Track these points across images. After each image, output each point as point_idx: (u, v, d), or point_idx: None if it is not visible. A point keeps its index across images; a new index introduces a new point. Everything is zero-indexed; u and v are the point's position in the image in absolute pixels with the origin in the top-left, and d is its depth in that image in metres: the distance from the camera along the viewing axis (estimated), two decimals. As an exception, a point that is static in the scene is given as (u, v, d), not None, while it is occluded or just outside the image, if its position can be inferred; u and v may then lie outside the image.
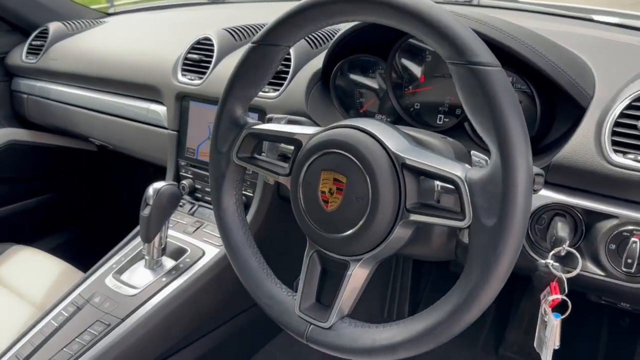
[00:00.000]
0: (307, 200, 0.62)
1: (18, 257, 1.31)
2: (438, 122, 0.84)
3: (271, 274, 0.70)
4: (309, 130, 0.65)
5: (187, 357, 1.01)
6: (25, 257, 1.31)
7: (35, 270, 1.26)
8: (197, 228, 1.05)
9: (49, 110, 1.47)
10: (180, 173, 1.13)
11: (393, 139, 0.59)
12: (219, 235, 1.00)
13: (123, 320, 0.88)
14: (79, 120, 1.38)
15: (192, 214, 1.10)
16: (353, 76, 0.92)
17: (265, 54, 0.66)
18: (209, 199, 1.09)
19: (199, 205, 1.11)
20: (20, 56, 1.53)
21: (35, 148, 1.61)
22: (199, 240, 1.01)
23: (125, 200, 1.52)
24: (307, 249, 0.65)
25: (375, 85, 0.90)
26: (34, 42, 1.52)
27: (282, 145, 0.73)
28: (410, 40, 0.84)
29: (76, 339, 0.86)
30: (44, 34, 1.52)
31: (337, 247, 0.61)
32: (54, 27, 1.52)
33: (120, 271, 0.99)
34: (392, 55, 0.85)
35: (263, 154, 0.73)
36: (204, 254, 0.98)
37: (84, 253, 1.36)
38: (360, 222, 0.58)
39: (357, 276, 0.61)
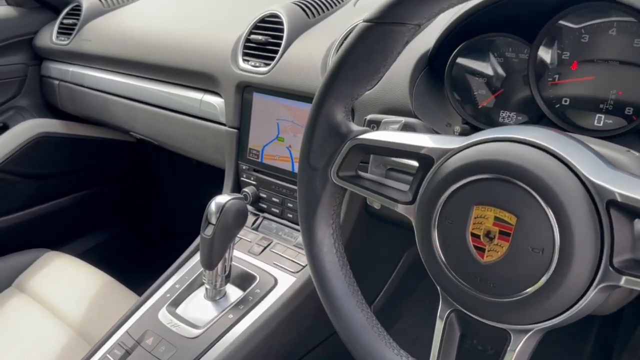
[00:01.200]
0: (447, 244, 0.44)
1: (51, 266, 1.17)
2: (596, 123, 0.63)
3: (383, 333, 0.52)
4: (442, 142, 0.46)
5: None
6: (59, 266, 1.17)
7: (71, 283, 1.11)
8: (265, 248, 0.87)
9: (83, 99, 1.30)
10: (241, 178, 0.94)
11: (584, 160, 0.40)
12: (291, 259, 0.83)
13: (184, 370, 0.70)
14: (119, 111, 1.20)
15: (256, 229, 0.91)
16: (470, 62, 0.71)
17: (384, 36, 0.47)
18: (276, 210, 0.90)
19: (264, 218, 0.93)
20: (50, 37, 1.36)
21: (68, 140, 1.44)
22: (268, 265, 0.83)
23: (169, 200, 1.36)
24: (440, 306, 0.47)
25: (502, 73, 0.70)
26: (65, 21, 1.35)
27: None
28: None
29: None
30: (76, 11, 1.34)
31: (494, 312, 0.43)
32: (87, 3, 1.34)
33: (176, 303, 0.82)
34: (542, 34, 0.64)
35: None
36: (276, 283, 0.80)
37: (120, 259, 1.20)
38: (538, 284, 0.40)
39: (522, 351, 0.43)
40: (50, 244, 1.23)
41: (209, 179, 1.13)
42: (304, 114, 0.84)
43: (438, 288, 0.47)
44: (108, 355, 0.75)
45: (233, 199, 0.76)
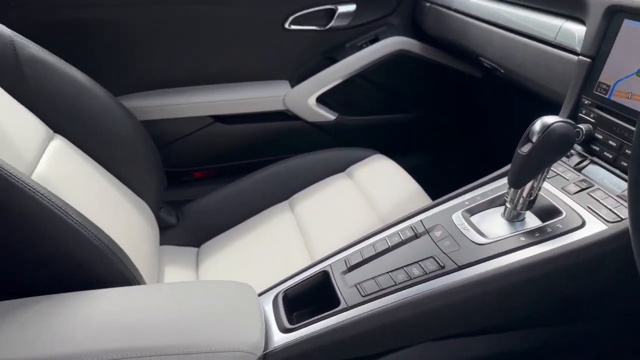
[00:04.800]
0: None
1: (377, 166, 1.32)
2: None
3: None
4: None
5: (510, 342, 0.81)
6: (384, 168, 1.31)
7: (389, 183, 1.24)
8: (582, 189, 0.78)
9: (446, 21, 1.36)
10: (579, 114, 0.86)
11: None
12: (609, 207, 0.73)
13: (460, 268, 0.72)
14: (475, 34, 1.23)
15: (579, 170, 0.83)
16: None
17: None
18: (609, 155, 0.80)
19: (591, 161, 0.83)
20: None
21: (420, 61, 1.55)
22: (580, 207, 0.75)
23: (498, 136, 1.34)
24: None
25: None
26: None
27: None
28: None
29: (404, 268, 0.74)
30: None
31: None
32: None
33: (472, 211, 0.83)
34: None
35: None
36: (583, 224, 0.72)
37: (438, 180, 1.26)
38: None
39: None
40: (380, 147, 1.38)
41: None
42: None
43: None
44: (399, 232, 0.82)
45: (560, 121, 0.70)
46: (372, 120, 1.64)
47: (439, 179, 1.27)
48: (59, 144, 0.95)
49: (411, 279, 0.72)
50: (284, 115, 1.54)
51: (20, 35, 0.97)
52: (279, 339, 0.71)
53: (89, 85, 1.03)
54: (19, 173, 0.67)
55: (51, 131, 0.96)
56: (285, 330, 0.72)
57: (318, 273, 0.81)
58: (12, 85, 0.93)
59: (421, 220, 0.83)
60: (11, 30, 0.96)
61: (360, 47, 1.54)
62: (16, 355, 0.59)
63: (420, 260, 0.74)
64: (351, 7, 1.47)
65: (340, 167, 1.33)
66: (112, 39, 1.33)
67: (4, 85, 0.91)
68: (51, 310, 0.65)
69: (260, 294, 0.82)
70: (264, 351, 0.68)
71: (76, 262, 0.71)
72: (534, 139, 0.70)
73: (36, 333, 0.62)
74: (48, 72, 0.97)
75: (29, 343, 0.60)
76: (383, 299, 0.71)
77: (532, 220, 0.77)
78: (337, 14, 1.47)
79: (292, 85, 1.53)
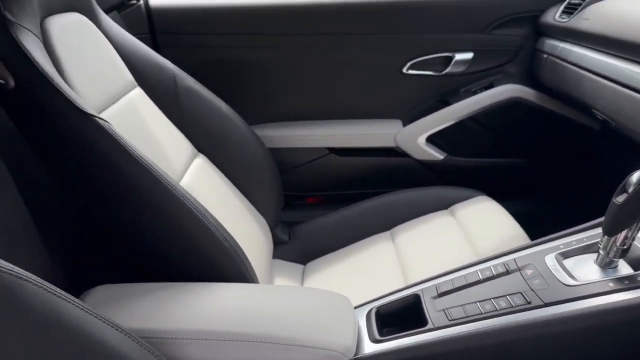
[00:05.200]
0: None
1: (481, 206, 1.37)
2: None
3: None
4: None
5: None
6: (487, 209, 1.36)
7: (490, 223, 1.28)
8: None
9: (561, 73, 1.39)
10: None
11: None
12: None
13: (546, 305, 0.76)
14: (588, 86, 1.25)
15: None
16: None
17: None
18: None
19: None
20: (554, 15, 1.49)
21: (534, 109, 1.58)
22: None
23: (608, 187, 1.33)
24: None
25: None
26: (573, 1, 1.45)
27: None
28: None
29: (492, 300, 0.80)
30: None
31: None
32: None
33: (566, 255, 0.86)
34: None
35: None
36: (678, 278, 0.73)
37: (540, 224, 1.28)
38: None
39: None
40: (486, 189, 1.43)
41: None
42: None
43: None
44: (491, 267, 0.87)
45: (660, 175, 0.73)
46: (479, 163, 1.68)
47: (541, 223, 1.28)
48: (201, 162, 1.13)
49: (497, 310, 0.77)
50: (394, 152, 1.65)
51: (180, 69, 1.18)
52: (369, 347, 0.79)
53: (229, 114, 1.22)
54: (172, 180, 0.84)
55: (196, 150, 1.15)
56: (376, 341, 0.80)
57: (410, 295, 0.88)
58: (170, 109, 1.13)
59: (514, 259, 0.88)
60: (174, 65, 1.18)
61: (474, 92, 1.61)
62: (160, 326, 0.73)
63: (508, 294, 0.79)
64: (468, 55, 1.55)
65: (444, 205, 1.40)
66: (253, 76, 1.55)
67: (164, 109, 1.12)
68: (187, 294, 0.79)
69: (355, 307, 0.91)
70: (354, 355, 0.77)
71: (208, 258, 0.86)
72: (630, 190, 0.74)
73: (174, 310, 0.76)
74: (199, 101, 1.17)
75: (169, 317, 0.75)
76: (469, 324, 0.77)
77: (624, 269, 0.79)
78: (453, 61, 1.55)
79: (404, 124, 1.63)
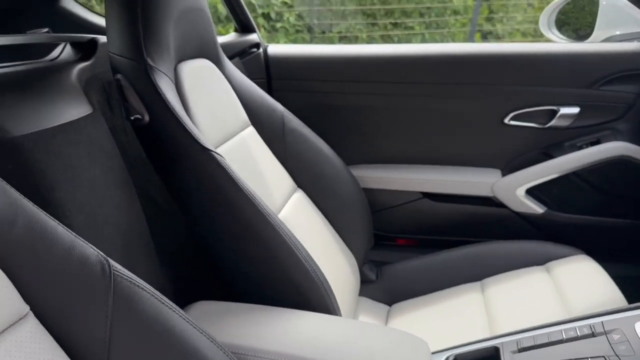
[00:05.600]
0: None
1: (579, 266, 1.33)
2: None
3: None
4: None
5: None
6: (586, 269, 1.31)
7: (588, 285, 1.24)
8: None
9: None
10: None
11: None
12: None
13: (630, 372, 0.73)
14: None
15: None
16: None
17: None
18: None
19: None
20: None
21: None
22: None
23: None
24: None
25: None
26: None
27: None
28: None
29: (573, 360, 0.79)
30: None
31: None
32: None
33: (658, 324, 0.82)
34: None
35: None
36: None
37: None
38: None
39: None
40: (586, 248, 1.37)
41: None
42: None
43: None
44: (577, 327, 0.85)
45: None
46: (581, 220, 1.61)
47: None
48: (299, 196, 1.22)
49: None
50: (490, 201, 1.63)
51: (288, 111, 1.29)
52: (443, 392, 0.81)
53: (329, 154, 1.30)
54: (271, 211, 0.93)
55: (296, 185, 1.25)
56: (449, 387, 0.82)
57: (490, 347, 0.89)
58: (276, 147, 1.24)
59: (602, 321, 0.85)
60: (283, 107, 1.30)
61: (580, 147, 1.56)
62: (248, 343, 0.81)
63: (590, 357, 0.78)
64: (574, 110, 1.52)
65: (539, 261, 1.36)
66: (353, 119, 1.63)
67: (271, 146, 1.23)
68: (275, 318, 0.87)
69: (433, 353, 0.93)
70: (427, 399, 0.79)
71: (295, 286, 0.93)
72: None
73: (262, 331, 0.84)
74: (302, 141, 1.27)
75: (256, 336, 0.82)
76: (546, 383, 0.77)
77: None
78: (558, 115, 1.53)
79: (503, 174, 1.61)
